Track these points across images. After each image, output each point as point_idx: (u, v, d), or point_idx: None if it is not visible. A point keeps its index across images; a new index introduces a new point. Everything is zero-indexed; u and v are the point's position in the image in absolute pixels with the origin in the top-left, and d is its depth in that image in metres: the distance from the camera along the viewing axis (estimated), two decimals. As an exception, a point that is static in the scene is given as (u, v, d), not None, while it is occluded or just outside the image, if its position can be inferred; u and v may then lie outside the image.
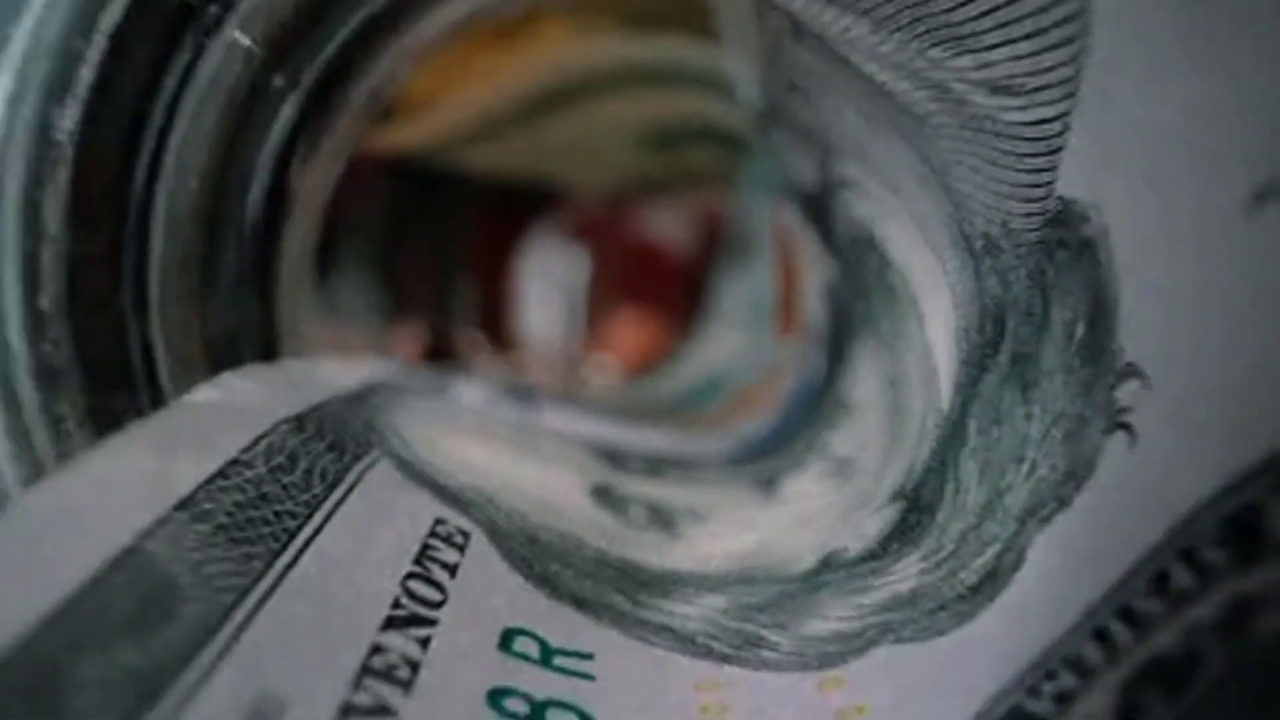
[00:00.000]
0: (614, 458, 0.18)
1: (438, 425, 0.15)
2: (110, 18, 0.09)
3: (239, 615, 0.09)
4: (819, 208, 0.18)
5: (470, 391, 0.19)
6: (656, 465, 0.18)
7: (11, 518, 0.08)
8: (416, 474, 0.13)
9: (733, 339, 0.28)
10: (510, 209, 0.34)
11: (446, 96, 0.23)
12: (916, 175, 0.13)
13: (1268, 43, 0.07)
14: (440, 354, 0.32)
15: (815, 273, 0.20)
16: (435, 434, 0.15)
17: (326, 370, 0.15)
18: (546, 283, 0.35)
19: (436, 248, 0.34)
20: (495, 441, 0.16)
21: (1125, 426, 0.09)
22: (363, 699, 0.08)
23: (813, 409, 0.18)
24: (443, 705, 0.09)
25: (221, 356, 0.12)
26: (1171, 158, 0.08)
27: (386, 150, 0.24)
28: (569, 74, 0.24)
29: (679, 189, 0.30)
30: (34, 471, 0.09)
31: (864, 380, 0.16)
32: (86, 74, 0.09)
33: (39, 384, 0.09)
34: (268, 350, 0.14)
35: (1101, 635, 0.08)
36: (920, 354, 0.14)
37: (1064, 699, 0.08)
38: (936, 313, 0.14)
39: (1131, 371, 0.09)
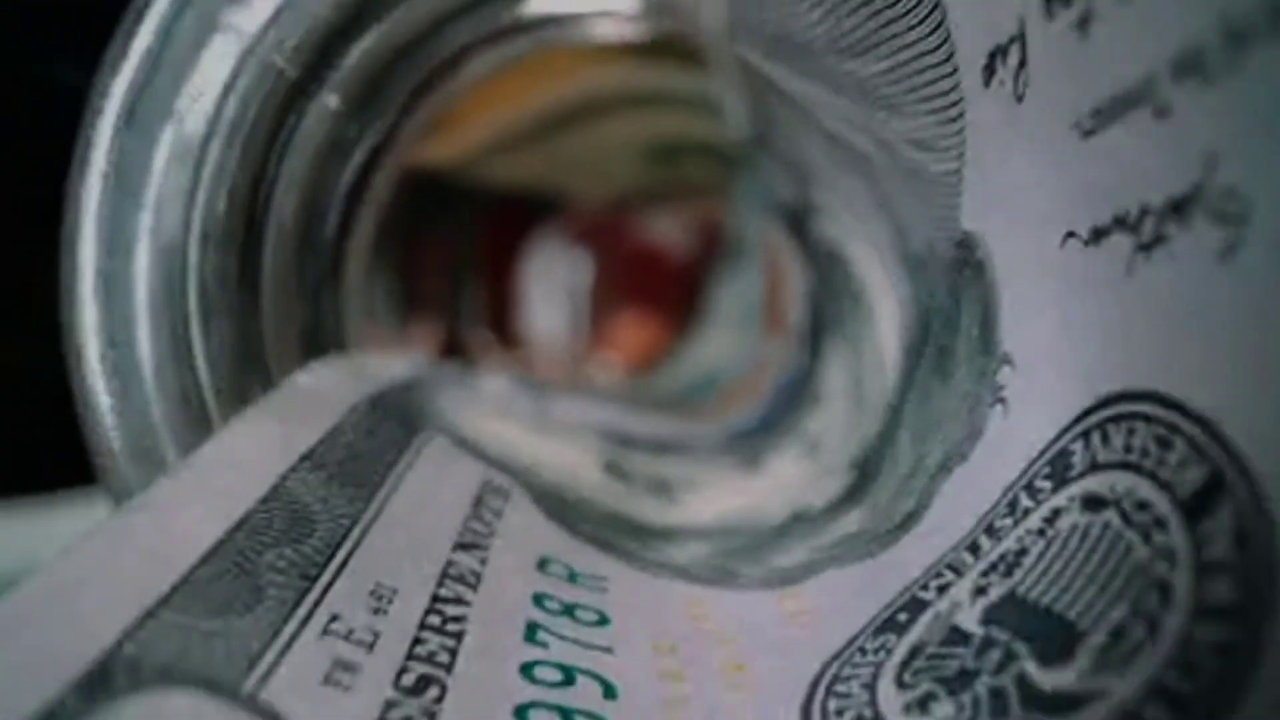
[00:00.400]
0: (621, 441, 0.22)
1: (473, 410, 0.19)
2: (258, 104, 0.13)
3: (355, 534, 0.12)
4: (798, 224, 0.22)
5: (493, 384, 0.23)
6: (658, 447, 0.22)
7: (194, 462, 0.12)
8: (465, 446, 0.17)
9: (727, 338, 0.32)
10: (516, 215, 0.38)
11: (472, 117, 0.27)
12: (870, 205, 0.17)
13: (1061, 127, 0.10)
14: (453, 351, 0.36)
15: (797, 279, 0.24)
16: (473, 417, 0.19)
17: (380, 363, 0.19)
18: (551, 284, 0.39)
19: (449, 252, 0.38)
20: (520, 425, 0.20)
21: (1002, 400, 0.13)
22: (446, 592, 0.12)
23: (792, 399, 0.22)
24: (500, 600, 0.13)
25: (308, 348, 0.16)
26: (1020, 204, 0.12)
27: (420, 165, 0.28)
28: (579, 96, 0.28)
29: (678, 198, 0.34)
30: (206, 429, 0.13)
31: (833, 374, 0.20)
32: (240, 140, 0.13)
33: (209, 366, 0.13)
34: (339, 343, 0.18)
35: (973, 546, 0.12)
36: (874, 351, 0.18)
37: (942, 589, 0.12)
38: (886, 317, 0.18)
39: (1006, 359, 0.13)
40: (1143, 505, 0.09)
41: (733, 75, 0.19)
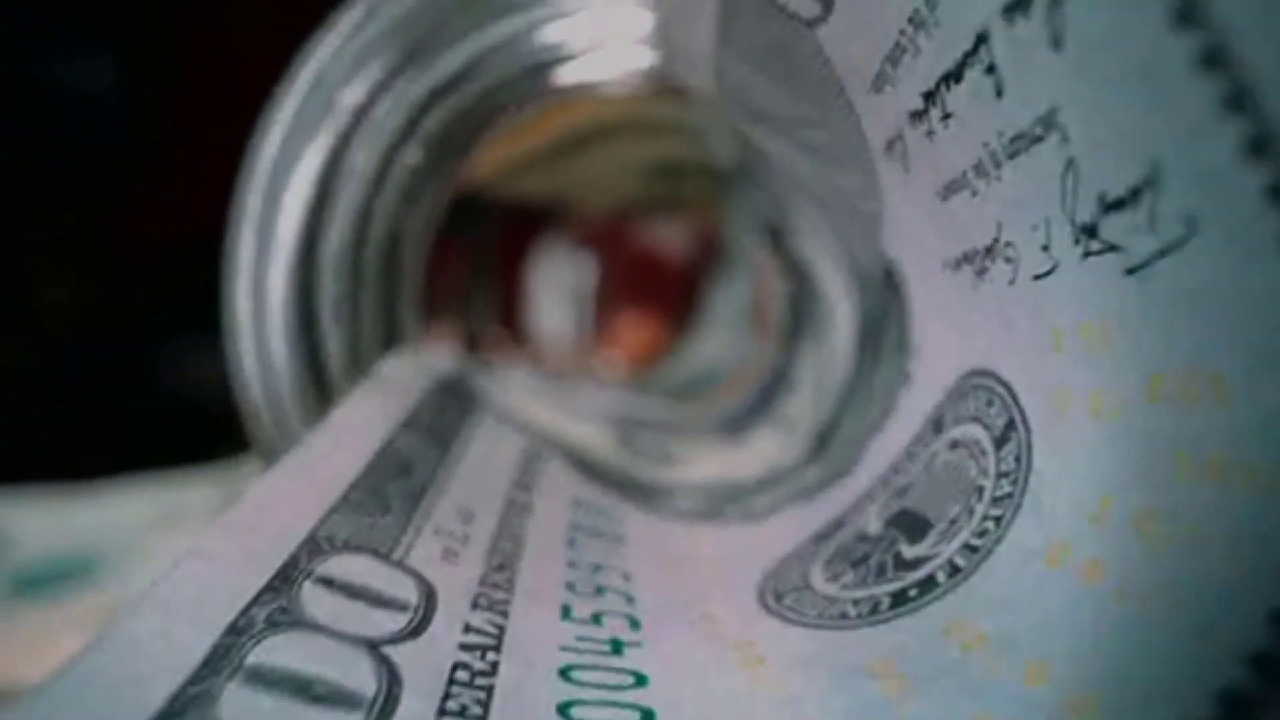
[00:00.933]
0: (632, 423, 0.28)
1: (512, 398, 0.26)
2: (369, 167, 0.19)
3: (440, 478, 0.19)
4: (777, 241, 0.28)
5: (522, 377, 0.30)
6: (662, 428, 0.28)
7: (328, 427, 0.18)
8: (511, 423, 0.23)
9: (723, 337, 0.38)
10: (527, 222, 0.44)
11: (500, 143, 0.33)
12: (828, 232, 0.24)
13: (929, 193, 0.16)
14: (467, 346, 0.42)
15: (778, 287, 0.30)
16: (513, 402, 0.25)
17: (433, 357, 0.25)
18: (558, 286, 0.45)
19: (467, 257, 0.44)
20: (549, 409, 0.26)
21: (909, 382, 0.19)
22: (508, 516, 0.18)
23: (773, 389, 0.28)
24: (546, 524, 0.19)
25: (386, 343, 0.22)
26: (915, 241, 0.18)
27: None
28: (592, 124, 0.34)
29: (677, 210, 0.40)
30: (325, 403, 0.19)
31: (804, 367, 0.27)
32: (360, 193, 0.19)
33: (333, 358, 0.19)
34: (402, 338, 0.24)
35: (885, 484, 0.18)
36: (832, 348, 0.24)
37: (859, 512, 0.18)
38: (842, 322, 0.24)
39: (914, 351, 0.19)
40: (977, 442, 0.16)
41: (722, 127, 0.25)
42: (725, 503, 0.22)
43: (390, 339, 0.22)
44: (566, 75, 0.22)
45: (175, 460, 0.43)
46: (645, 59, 0.23)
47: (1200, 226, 0.10)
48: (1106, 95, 0.10)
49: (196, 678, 0.11)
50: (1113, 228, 0.11)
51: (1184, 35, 0.09)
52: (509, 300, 0.44)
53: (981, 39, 0.12)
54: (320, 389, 0.19)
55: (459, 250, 0.43)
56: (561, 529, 0.19)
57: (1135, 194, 0.11)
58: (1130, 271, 0.11)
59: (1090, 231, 0.12)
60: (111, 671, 0.11)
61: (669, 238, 0.44)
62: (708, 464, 0.25)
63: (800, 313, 0.28)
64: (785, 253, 0.28)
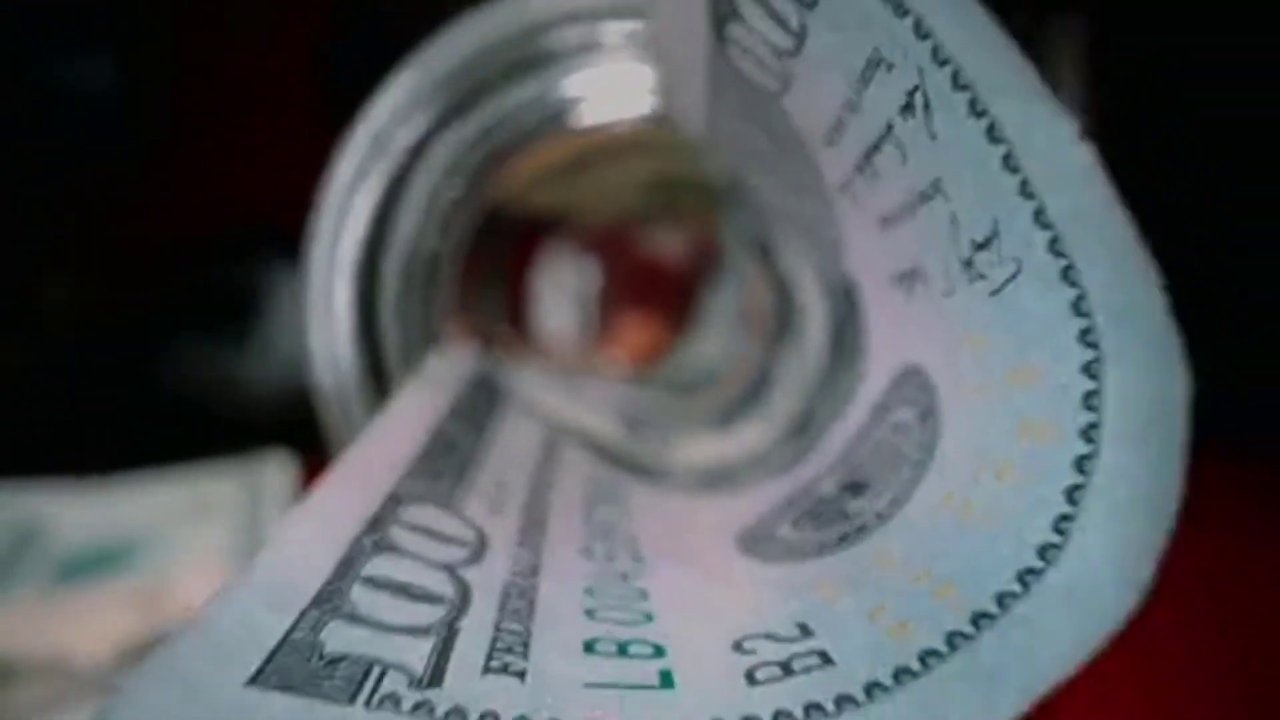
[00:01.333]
0: (635, 416, 0.34)
1: (530, 392, 0.31)
2: (421, 199, 0.25)
3: (477, 458, 0.24)
4: (764, 255, 0.34)
5: (537, 375, 0.35)
6: (661, 421, 0.34)
7: (389, 414, 0.24)
8: (531, 415, 0.29)
9: (718, 338, 0.44)
10: (534, 228, 0.49)
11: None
12: (803, 248, 0.29)
13: (873, 224, 0.22)
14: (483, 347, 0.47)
15: (765, 295, 0.35)
16: (531, 396, 0.31)
17: (462, 356, 0.31)
18: (563, 289, 0.50)
19: (478, 263, 0.49)
20: (562, 403, 0.32)
21: (863, 377, 0.25)
22: (536, 491, 0.24)
23: (759, 385, 0.34)
24: (568, 495, 0.24)
25: (427, 344, 0.28)
26: (866, 261, 0.24)
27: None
28: (597, 146, 0.40)
29: (676, 220, 0.46)
30: (381, 396, 0.25)
31: (785, 366, 0.32)
32: (415, 217, 0.25)
33: (398, 352, 0.25)
34: (440, 338, 0.30)
35: (842, 460, 0.24)
36: (808, 350, 0.30)
37: (819, 483, 0.23)
38: (816, 328, 0.29)
39: (867, 352, 0.25)
40: (908, 425, 0.21)
41: (714, 155, 0.31)
42: (716, 480, 0.27)
43: (430, 340, 0.28)
44: (583, 118, 0.28)
45: (175, 460, 0.47)
46: (649, 104, 0.28)
47: (1023, 265, 0.15)
48: (964, 175, 0.16)
49: (333, 579, 0.16)
50: (981, 262, 0.17)
51: (994, 145, 0.14)
52: (516, 303, 0.49)
53: (890, 126, 0.18)
54: (379, 382, 0.25)
55: (473, 258, 0.49)
56: (579, 500, 0.24)
57: (989, 240, 0.16)
58: (993, 294, 0.17)
59: (969, 264, 0.17)
60: (274, 577, 0.16)
61: (668, 245, 0.49)
62: (703, 450, 0.31)
63: (783, 319, 0.33)
64: (770, 266, 0.33)
